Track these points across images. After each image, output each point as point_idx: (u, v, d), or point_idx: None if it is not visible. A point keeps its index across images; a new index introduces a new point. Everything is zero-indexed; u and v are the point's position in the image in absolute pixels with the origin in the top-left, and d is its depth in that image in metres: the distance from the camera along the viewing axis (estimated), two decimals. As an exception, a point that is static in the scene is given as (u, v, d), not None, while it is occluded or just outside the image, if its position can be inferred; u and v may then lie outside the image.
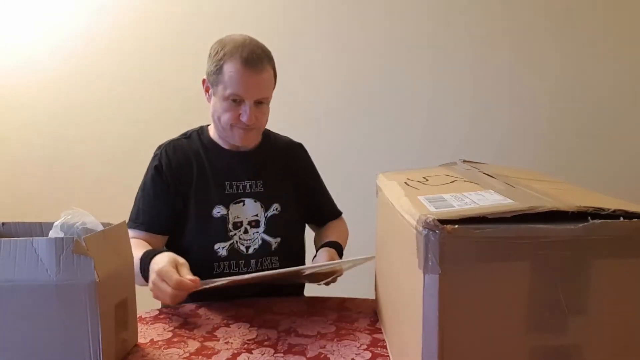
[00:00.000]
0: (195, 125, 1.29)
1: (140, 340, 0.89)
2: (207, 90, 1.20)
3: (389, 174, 0.91)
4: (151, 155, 1.23)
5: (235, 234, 1.18)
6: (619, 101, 1.96)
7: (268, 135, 1.32)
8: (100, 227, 0.79)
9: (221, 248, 1.16)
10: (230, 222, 1.18)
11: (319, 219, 1.38)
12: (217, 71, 1.14)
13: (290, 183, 1.28)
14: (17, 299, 0.70)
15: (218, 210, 1.17)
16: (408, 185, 0.76)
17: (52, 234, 0.79)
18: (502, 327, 0.54)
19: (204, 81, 1.21)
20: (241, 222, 1.18)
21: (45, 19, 2.12)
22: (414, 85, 2.02)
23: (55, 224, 0.80)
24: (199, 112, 1.42)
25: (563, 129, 1.98)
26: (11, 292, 0.70)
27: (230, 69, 1.12)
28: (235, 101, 1.14)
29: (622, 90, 1.95)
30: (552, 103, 1.98)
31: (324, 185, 1.40)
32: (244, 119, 1.14)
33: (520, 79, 1.99)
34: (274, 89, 1.21)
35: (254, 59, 1.13)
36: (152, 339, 0.89)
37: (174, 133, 1.27)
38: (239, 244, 1.18)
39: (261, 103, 1.17)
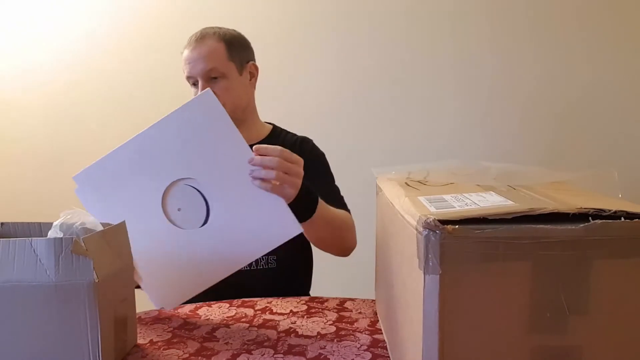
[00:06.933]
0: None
1: (140, 340, 0.88)
2: None
3: (388, 174, 0.90)
4: None
5: None
6: (621, 99, 1.95)
7: (275, 132, 1.29)
8: (100, 227, 0.79)
9: None
10: None
11: None
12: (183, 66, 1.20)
13: None
14: (16, 299, 0.70)
15: None
16: (408, 185, 0.76)
17: (51, 234, 0.79)
18: (502, 327, 0.53)
19: None
20: None
21: (45, 21, 2.12)
22: (414, 84, 2.02)
23: (55, 224, 0.79)
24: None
25: (565, 128, 1.98)
26: (10, 293, 0.70)
27: (183, 56, 1.19)
28: (195, 85, 1.18)
29: (621, 88, 1.95)
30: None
31: (331, 181, 1.29)
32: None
33: (523, 77, 1.99)
34: (229, 62, 1.18)
35: (198, 38, 1.17)
36: (152, 340, 0.89)
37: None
38: None
39: (215, 78, 1.16)
